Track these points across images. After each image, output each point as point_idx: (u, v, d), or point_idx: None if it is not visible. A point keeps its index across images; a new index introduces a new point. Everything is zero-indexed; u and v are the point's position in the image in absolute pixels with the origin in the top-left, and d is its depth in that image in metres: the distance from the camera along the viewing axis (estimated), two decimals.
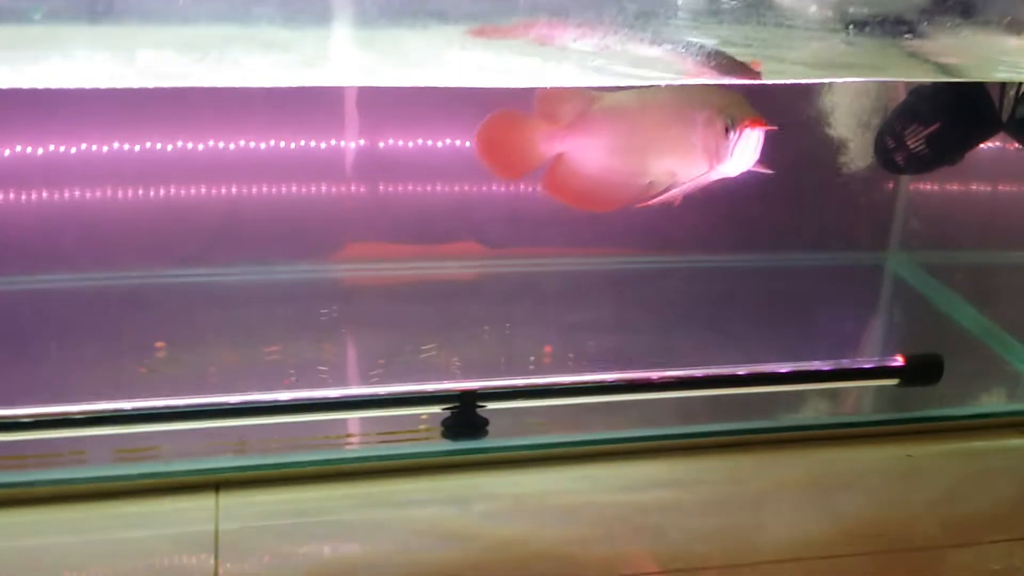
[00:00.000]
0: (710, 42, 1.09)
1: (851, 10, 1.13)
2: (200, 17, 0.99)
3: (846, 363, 1.63)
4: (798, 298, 2.03)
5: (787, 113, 1.80)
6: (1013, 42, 1.16)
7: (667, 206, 1.36)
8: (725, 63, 1.12)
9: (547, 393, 1.51)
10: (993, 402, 1.77)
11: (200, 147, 1.84)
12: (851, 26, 1.12)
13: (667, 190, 1.35)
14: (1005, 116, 1.63)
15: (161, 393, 1.42)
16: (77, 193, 1.84)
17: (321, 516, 1.39)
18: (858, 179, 1.98)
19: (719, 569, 1.32)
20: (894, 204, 2.13)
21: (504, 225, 1.99)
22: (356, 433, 1.56)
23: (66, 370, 1.66)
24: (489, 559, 1.32)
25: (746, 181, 1.33)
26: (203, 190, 1.87)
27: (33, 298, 1.85)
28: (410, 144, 1.93)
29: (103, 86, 0.97)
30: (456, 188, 1.97)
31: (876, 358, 1.63)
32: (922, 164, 1.69)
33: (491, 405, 1.48)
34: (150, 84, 1.00)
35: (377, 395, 1.47)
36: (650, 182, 1.36)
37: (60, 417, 1.37)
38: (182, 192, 1.87)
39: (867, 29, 1.12)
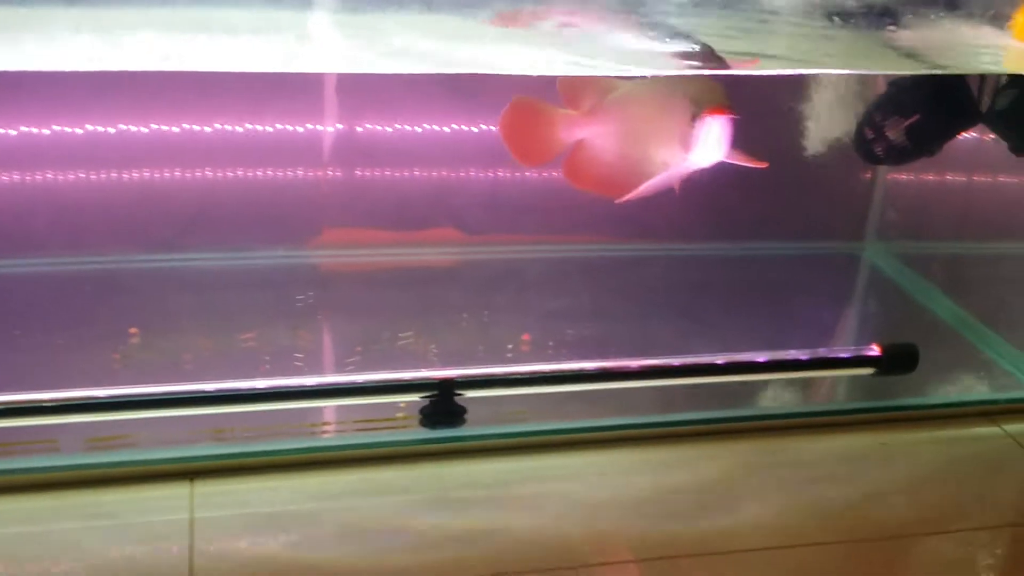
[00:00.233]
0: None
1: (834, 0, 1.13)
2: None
3: (823, 352, 1.64)
4: (776, 287, 2.04)
5: (766, 102, 1.81)
6: (992, 33, 1.17)
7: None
8: (702, 53, 1.12)
9: (525, 381, 1.51)
10: (967, 391, 1.79)
11: (175, 130, 1.82)
12: (835, 17, 1.12)
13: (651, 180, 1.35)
14: (984, 108, 1.64)
15: (135, 380, 1.40)
16: (50, 175, 1.81)
17: (297, 505, 1.38)
18: (836, 169, 1.98)
19: (695, 557, 1.33)
20: (871, 194, 2.14)
21: (483, 211, 1.98)
22: (333, 421, 1.55)
23: (37, 356, 1.63)
24: (467, 547, 1.32)
25: (724, 170, 1.33)
26: (179, 174, 1.85)
27: (3, 282, 1.82)
28: (388, 129, 1.91)
29: (81, 69, 0.96)
30: (434, 174, 1.96)
31: (853, 348, 1.64)
32: (901, 155, 1.70)
33: (469, 393, 1.48)
34: (127, 67, 0.98)
35: (354, 383, 1.47)
36: (660, 168, 1.35)
37: (31, 405, 1.35)
38: (157, 176, 1.84)
39: (851, 20, 1.12)
